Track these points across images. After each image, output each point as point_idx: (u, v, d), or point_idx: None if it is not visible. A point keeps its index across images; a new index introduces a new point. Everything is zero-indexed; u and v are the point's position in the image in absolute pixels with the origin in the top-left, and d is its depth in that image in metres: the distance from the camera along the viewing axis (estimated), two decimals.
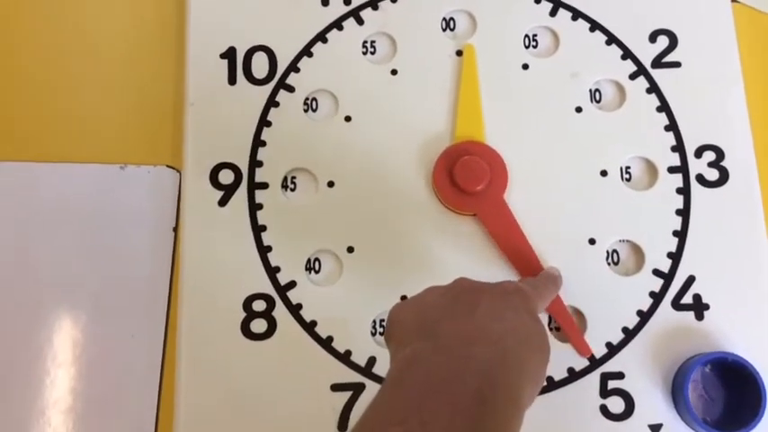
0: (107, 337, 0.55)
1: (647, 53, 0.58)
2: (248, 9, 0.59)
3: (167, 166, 0.58)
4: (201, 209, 0.55)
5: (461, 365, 0.36)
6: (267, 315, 0.53)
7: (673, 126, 0.56)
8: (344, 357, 0.52)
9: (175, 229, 0.56)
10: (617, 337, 0.52)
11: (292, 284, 0.54)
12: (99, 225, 0.57)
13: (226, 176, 0.56)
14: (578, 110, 0.57)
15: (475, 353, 0.37)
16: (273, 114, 0.57)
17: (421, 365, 0.37)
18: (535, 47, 0.58)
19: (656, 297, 0.53)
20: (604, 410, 0.51)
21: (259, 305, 0.53)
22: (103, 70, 0.60)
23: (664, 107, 0.57)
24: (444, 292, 0.42)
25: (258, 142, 0.56)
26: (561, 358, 0.52)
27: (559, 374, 0.52)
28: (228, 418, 0.51)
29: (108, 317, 0.55)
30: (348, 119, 0.57)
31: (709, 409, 0.51)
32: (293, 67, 0.58)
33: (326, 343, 0.53)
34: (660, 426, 0.51)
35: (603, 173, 0.56)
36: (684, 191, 0.55)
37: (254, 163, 0.56)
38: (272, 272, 0.54)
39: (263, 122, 0.57)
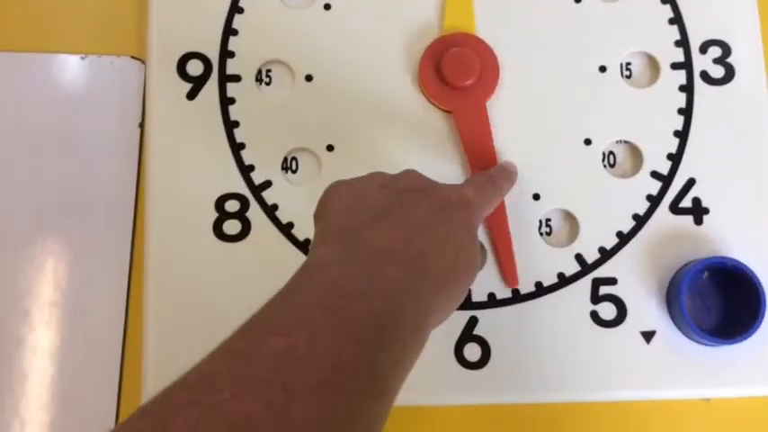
0: (73, 236, 0.51)
1: None
2: None
3: (132, 56, 0.53)
4: (168, 102, 0.51)
5: (367, 283, 0.33)
6: (241, 216, 0.50)
7: (677, 19, 0.52)
8: None
9: (141, 125, 0.52)
10: (611, 241, 0.50)
11: (267, 184, 0.50)
12: (59, 119, 0.53)
13: (194, 67, 0.51)
14: (578, 0, 0.53)
15: (387, 271, 0.33)
16: (246, 0, 0.52)
17: (325, 274, 0.33)
18: None
19: (654, 200, 0.50)
20: (595, 317, 0.49)
21: (232, 205, 0.50)
22: None
23: None
24: (385, 183, 0.39)
25: (229, 30, 0.52)
26: (551, 263, 0.49)
27: (549, 280, 0.49)
28: (199, 321, 0.48)
29: (73, 216, 0.52)
30: (327, 7, 0.52)
31: (705, 318, 0.49)
32: None
33: (303, 245, 0.50)
34: (653, 333, 0.49)
35: (602, 68, 0.52)
36: (687, 88, 0.52)
37: (226, 53, 0.52)
38: (245, 171, 0.50)
39: (235, 9, 0.52)
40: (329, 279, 0.33)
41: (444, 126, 0.51)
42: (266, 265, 0.49)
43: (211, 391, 0.28)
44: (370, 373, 0.30)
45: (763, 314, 0.47)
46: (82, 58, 0.53)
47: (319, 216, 0.39)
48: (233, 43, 0.52)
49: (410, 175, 0.41)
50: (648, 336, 0.49)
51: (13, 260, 0.51)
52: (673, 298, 0.48)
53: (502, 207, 0.49)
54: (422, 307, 0.34)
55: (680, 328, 0.48)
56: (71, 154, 0.53)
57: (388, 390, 0.31)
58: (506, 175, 0.47)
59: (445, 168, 0.50)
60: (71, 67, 0.54)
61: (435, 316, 0.35)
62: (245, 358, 0.29)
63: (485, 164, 0.49)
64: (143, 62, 0.53)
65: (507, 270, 0.49)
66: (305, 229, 0.50)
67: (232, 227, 0.50)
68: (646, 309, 0.49)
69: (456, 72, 0.50)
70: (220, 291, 0.49)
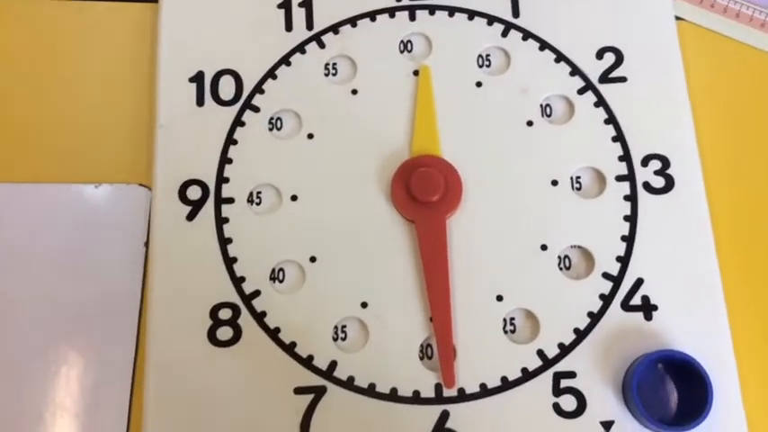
0: (83, 345, 0.57)
1: (594, 69, 0.61)
2: (216, 35, 0.62)
3: (139, 184, 0.60)
4: (170, 223, 0.58)
5: None
6: (233, 323, 0.55)
7: (620, 137, 0.59)
8: (307, 362, 0.54)
9: (146, 244, 0.59)
10: (569, 337, 0.54)
11: (257, 293, 0.56)
12: (75, 240, 0.59)
13: (194, 192, 0.58)
14: (529, 123, 0.60)
15: None
16: (240, 133, 0.60)
17: None
18: (488, 66, 0.62)
19: (606, 299, 0.55)
20: (557, 408, 0.53)
21: (225, 313, 0.55)
22: (80, 93, 0.63)
23: (611, 119, 0.59)
24: None
25: (225, 159, 0.59)
26: (516, 358, 0.54)
27: (514, 374, 0.53)
28: (196, 422, 0.53)
29: (83, 330, 0.57)
30: (311, 136, 0.60)
31: (660, 407, 0.53)
32: (258, 89, 0.61)
33: (290, 348, 0.55)
34: (612, 423, 0.52)
35: (554, 182, 0.58)
36: (632, 198, 0.57)
37: (221, 179, 0.59)
38: (237, 282, 0.56)
39: (230, 141, 0.60)
40: None
41: (414, 238, 0.57)
42: (256, 366, 0.54)
43: None
44: None
45: (710, 403, 0.50)
46: (96, 187, 0.61)
47: None
48: (228, 170, 0.59)
49: None
50: (607, 426, 0.52)
51: (30, 368, 0.56)
52: (627, 389, 0.52)
53: (447, 312, 0.54)
54: None
55: (636, 418, 0.52)
56: (84, 271, 0.59)
57: None
58: None
59: (420, 275, 0.56)
60: (86, 194, 0.61)
61: None
62: None
63: (438, 270, 0.55)
64: (149, 188, 0.60)
65: (447, 372, 0.53)
66: (290, 334, 0.55)
67: (225, 333, 0.55)
68: (604, 400, 0.53)
69: (422, 189, 0.56)
70: (215, 392, 0.54)
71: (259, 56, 0.62)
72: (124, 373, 0.56)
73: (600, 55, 0.61)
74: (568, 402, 0.53)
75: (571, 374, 0.53)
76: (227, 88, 0.61)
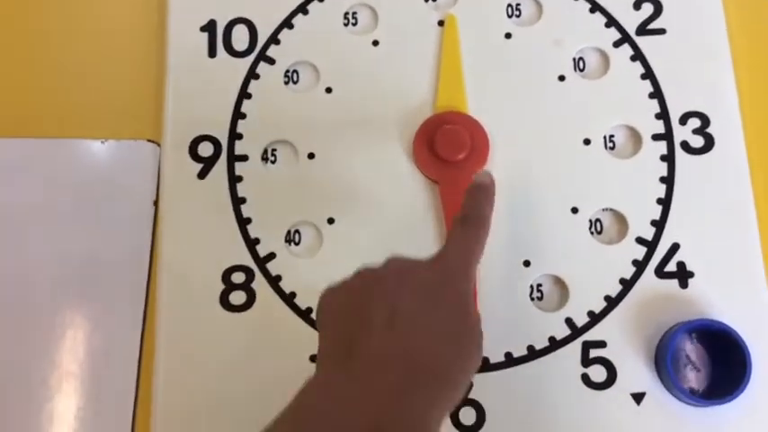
0: (90, 308, 0.55)
1: (631, 20, 0.57)
2: None
3: (148, 140, 0.57)
4: (181, 182, 0.55)
5: (363, 395, 0.35)
6: (246, 287, 0.53)
7: (657, 93, 0.55)
8: None
9: (156, 203, 0.56)
10: (599, 305, 0.52)
11: (272, 256, 0.53)
12: (81, 199, 0.57)
13: (205, 149, 0.55)
14: (561, 78, 0.56)
15: (381, 380, 0.35)
16: (254, 87, 0.57)
17: (326, 392, 0.36)
18: (518, 16, 0.58)
19: (640, 265, 0.52)
20: (586, 379, 0.50)
21: (238, 277, 0.53)
22: (85, 45, 0.60)
23: (648, 74, 0.56)
24: (373, 280, 0.40)
25: (238, 114, 0.56)
26: (542, 327, 0.51)
27: (541, 343, 0.51)
28: (207, 389, 0.51)
29: (91, 290, 0.55)
30: (329, 90, 0.57)
31: (695, 379, 0.50)
32: (274, 39, 0.57)
33: (305, 314, 0.52)
34: (643, 394, 0.50)
35: (587, 141, 0.55)
36: (669, 158, 0.54)
37: (234, 135, 0.56)
38: (251, 244, 0.54)
39: (244, 95, 0.56)
40: (329, 397, 0.35)
41: (438, 197, 0.54)
42: (270, 332, 0.52)
43: None
44: None
45: (749, 374, 0.48)
46: (102, 143, 0.58)
47: (318, 327, 0.41)
48: (241, 126, 0.56)
49: (391, 264, 0.41)
50: (638, 397, 0.50)
51: (35, 330, 0.54)
52: (660, 360, 0.50)
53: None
54: (419, 408, 0.35)
55: (668, 390, 0.50)
56: (91, 230, 0.57)
57: None
58: (481, 202, 0.45)
59: (441, 237, 0.53)
60: (92, 150, 0.58)
61: (435, 412, 0.36)
62: None
63: None
64: (158, 145, 0.57)
65: None
66: (307, 299, 0.52)
67: (238, 297, 0.53)
68: (635, 371, 0.50)
69: (448, 148, 0.53)
70: (227, 359, 0.52)
71: (274, 3, 0.58)
72: (133, 337, 0.54)
73: (638, 5, 0.57)
74: (598, 373, 0.50)
75: (601, 344, 0.51)
76: (240, 38, 0.57)
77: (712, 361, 0.51)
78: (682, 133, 0.55)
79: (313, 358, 0.51)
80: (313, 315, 0.52)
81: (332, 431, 0.33)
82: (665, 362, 0.49)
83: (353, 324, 0.38)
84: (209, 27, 0.58)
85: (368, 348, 0.37)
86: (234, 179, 0.55)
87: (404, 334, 0.37)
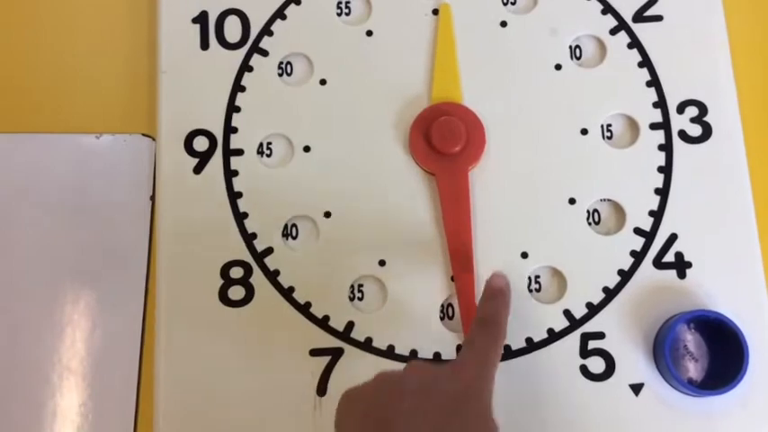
0: (89, 303, 0.55)
1: (628, 7, 0.56)
2: None
3: (143, 134, 0.57)
4: (176, 177, 0.55)
5: None
6: (245, 282, 0.53)
7: (654, 81, 0.55)
8: (323, 322, 0.52)
9: (152, 198, 0.56)
10: (597, 296, 0.52)
11: (269, 251, 0.53)
12: (76, 195, 0.57)
13: (200, 143, 0.55)
14: (558, 67, 0.56)
15: None
16: (247, 79, 0.56)
17: None
18: (513, 3, 0.57)
19: (638, 256, 0.52)
20: (584, 371, 0.51)
21: (236, 272, 0.53)
22: (77, 40, 0.59)
23: (645, 62, 0.55)
24: (394, 394, 0.39)
25: (233, 108, 0.56)
26: (541, 319, 0.51)
27: (539, 335, 0.51)
28: (208, 385, 0.51)
29: (89, 287, 0.55)
30: (323, 82, 0.56)
31: (694, 369, 0.51)
32: (266, 31, 0.57)
33: (305, 309, 0.52)
34: (641, 385, 0.50)
35: (584, 131, 0.55)
36: (666, 147, 0.54)
37: (229, 129, 0.55)
38: (248, 238, 0.53)
39: (238, 88, 0.56)
40: None
41: (435, 190, 0.54)
42: (269, 327, 0.52)
43: None
44: None
45: (747, 365, 0.48)
46: (97, 137, 0.57)
47: (340, 426, 0.40)
48: (236, 120, 0.55)
49: (411, 373, 0.41)
50: (637, 388, 0.50)
51: (34, 329, 0.54)
52: (658, 351, 0.50)
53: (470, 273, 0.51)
54: None
55: (667, 381, 0.50)
56: (88, 226, 0.56)
57: None
58: (498, 306, 0.45)
59: (439, 229, 0.53)
60: (88, 145, 0.57)
61: None
62: None
63: (460, 226, 0.52)
64: (153, 139, 0.56)
65: (467, 331, 0.51)
66: (305, 293, 0.52)
67: (237, 292, 0.53)
68: (634, 362, 0.51)
69: (444, 139, 0.53)
70: (228, 354, 0.52)
71: None
72: (133, 332, 0.54)
73: None
74: (596, 364, 0.51)
75: (600, 335, 0.51)
76: (232, 30, 0.57)
77: (711, 351, 0.51)
78: (679, 122, 0.54)
79: (313, 352, 0.51)
80: (312, 309, 0.52)
81: None
82: (663, 353, 0.49)
83: (379, 424, 0.38)
84: (201, 19, 0.57)
85: None
86: (230, 173, 0.55)
87: None
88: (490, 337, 0.43)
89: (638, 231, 0.53)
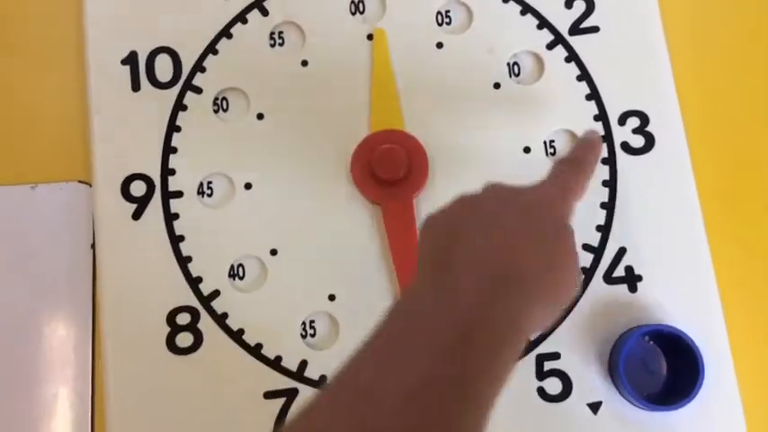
0: (34, 359, 0.53)
1: (563, 20, 0.56)
2: (146, 10, 0.56)
3: (79, 181, 0.55)
4: (115, 224, 0.53)
5: (453, 302, 0.34)
6: (192, 327, 0.52)
7: (594, 94, 0.55)
8: (275, 363, 0.51)
9: (93, 246, 0.54)
10: None
11: (216, 294, 0.52)
12: (15, 248, 0.55)
13: (138, 188, 0.54)
14: (497, 86, 0.55)
15: (473, 288, 0.35)
16: (182, 118, 0.55)
17: (417, 300, 0.36)
18: (449, 23, 0.56)
19: (588, 272, 0.52)
20: (542, 392, 0.50)
21: (183, 318, 0.52)
22: (7, 87, 0.58)
23: (584, 75, 0.55)
24: (473, 201, 0.40)
25: (169, 149, 0.54)
26: None
27: None
28: None
29: (32, 342, 0.54)
30: (260, 116, 0.55)
31: (650, 383, 0.50)
32: (199, 67, 0.55)
33: (256, 350, 0.51)
34: (599, 404, 0.50)
35: (527, 149, 0.54)
36: (610, 161, 0.54)
37: (167, 171, 0.54)
38: (193, 282, 0.52)
39: (173, 128, 0.54)
40: (421, 302, 0.35)
41: (380, 220, 0.53)
42: (221, 372, 0.51)
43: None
44: (458, 383, 0.32)
45: (702, 378, 0.48)
46: (32, 188, 0.56)
47: (418, 244, 0.40)
48: (173, 161, 0.54)
49: (494, 189, 0.41)
50: (595, 407, 0.50)
51: None
52: (613, 368, 0.50)
53: None
54: (509, 313, 0.35)
55: (624, 397, 0.50)
56: (29, 279, 0.55)
57: (478, 397, 0.33)
58: (587, 150, 0.45)
59: (389, 261, 0.52)
60: (23, 196, 0.56)
61: (526, 322, 0.36)
62: (344, 386, 0.33)
63: (407, 254, 0.51)
64: (90, 185, 0.55)
65: None
66: (256, 335, 0.51)
67: (185, 339, 0.51)
68: (590, 380, 0.50)
69: (385, 168, 0.52)
70: (179, 403, 0.50)
71: (196, 29, 0.56)
72: (83, 390, 0.52)
73: (569, 3, 0.56)
74: (553, 385, 0.50)
75: (555, 356, 0.51)
76: (164, 68, 0.55)
77: (668, 365, 0.51)
78: (621, 134, 0.54)
79: (267, 395, 0.50)
80: (263, 351, 0.51)
81: (423, 334, 0.33)
82: (617, 369, 0.49)
83: (451, 236, 0.38)
84: (131, 59, 0.55)
85: (461, 255, 0.36)
86: (170, 217, 0.53)
87: (498, 244, 0.37)
88: (579, 175, 0.43)
89: (586, 247, 0.52)
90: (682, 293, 0.51)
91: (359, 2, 0.57)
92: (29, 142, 0.57)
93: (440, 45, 0.56)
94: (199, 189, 0.54)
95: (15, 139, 0.57)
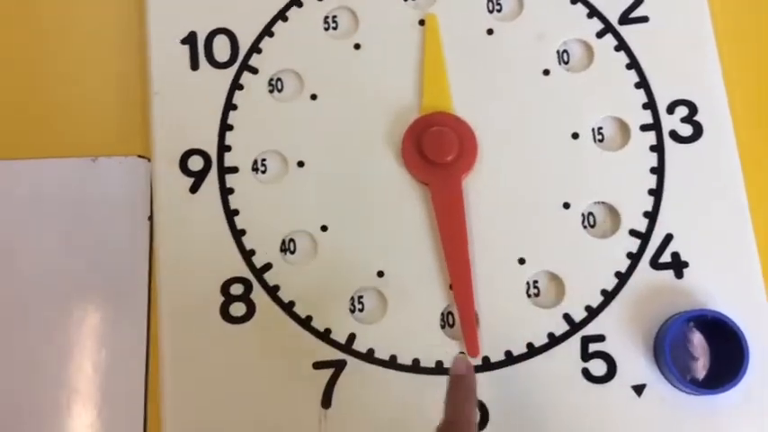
0: (94, 325, 0.55)
1: (613, 9, 0.57)
2: None
3: (138, 155, 0.57)
4: (173, 197, 0.55)
5: None
6: (245, 298, 0.53)
7: (643, 83, 0.55)
8: (324, 335, 0.52)
9: (151, 218, 0.56)
10: (596, 299, 0.52)
11: (268, 266, 0.54)
12: (75, 219, 0.57)
13: (195, 163, 0.55)
14: (546, 72, 0.56)
15: None
16: (239, 97, 0.56)
17: None
18: (499, 11, 0.57)
19: (634, 257, 0.53)
20: (586, 374, 0.51)
21: (237, 289, 0.53)
22: (70, 64, 0.60)
23: (633, 64, 0.56)
24: None
25: (225, 126, 0.56)
26: (541, 323, 0.52)
27: (540, 340, 0.51)
28: (214, 402, 0.52)
29: (90, 311, 0.55)
30: (314, 97, 0.56)
31: (695, 368, 0.51)
32: (255, 48, 0.57)
33: (306, 322, 0.53)
34: (644, 386, 0.50)
35: (575, 135, 0.55)
36: (658, 148, 0.54)
37: (223, 147, 0.56)
38: (247, 255, 0.54)
39: (229, 106, 0.56)
40: None
41: (429, 200, 0.54)
42: (272, 342, 0.52)
43: None
44: None
45: (747, 363, 0.48)
46: (93, 161, 0.58)
47: None
48: (229, 138, 0.56)
49: None
50: (639, 389, 0.51)
51: (39, 352, 0.54)
52: (658, 351, 0.50)
53: (468, 278, 0.52)
54: None
55: (669, 380, 0.50)
56: (89, 249, 0.57)
57: None
58: (462, 403, 0.44)
59: (436, 239, 0.53)
60: (84, 169, 0.58)
61: None
62: None
63: (455, 234, 0.52)
64: (149, 160, 0.57)
65: (470, 342, 0.51)
66: (306, 307, 0.53)
67: (238, 309, 0.53)
68: (635, 363, 0.51)
69: (436, 149, 0.53)
70: (231, 371, 0.52)
71: (253, 12, 0.58)
72: (138, 354, 0.54)
73: None
74: (598, 367, 0.51)
75: (600, 338, 0.51)
76: (221, 49, 0.57)
77: (712, 349, 0.51)
78: (670, 122, 0.55)
79: (317, 365, 0.52)
80: (313, 323, 0.52)
81: None
82: (663, 353, 0.49)
83: None
84: (190, 39, 0.57)
85: None
86: (226, 191, 0.55)
87: None
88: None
89: (633, 233, 0.53)
90: (727, 280, 0.52)
91: None
92: (91, 117, 0.59)
93: (490, 31, 0.57)
94: (253, 166, 0.55)
95: (78, 113, 0.59)
